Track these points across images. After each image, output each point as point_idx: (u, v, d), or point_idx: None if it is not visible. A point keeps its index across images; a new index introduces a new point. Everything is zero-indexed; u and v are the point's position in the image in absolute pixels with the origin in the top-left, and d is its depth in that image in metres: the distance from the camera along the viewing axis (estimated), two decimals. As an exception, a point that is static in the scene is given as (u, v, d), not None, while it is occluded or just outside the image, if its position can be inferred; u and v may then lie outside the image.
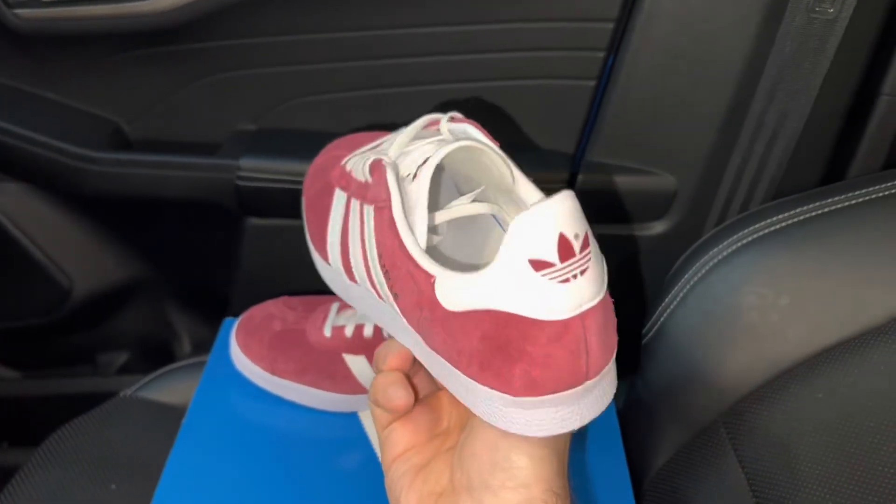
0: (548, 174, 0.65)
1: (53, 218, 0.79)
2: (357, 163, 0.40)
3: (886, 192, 0.49)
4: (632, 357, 0.56)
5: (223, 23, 0.63)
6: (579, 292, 0.28)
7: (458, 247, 0.39)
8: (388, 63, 0.64)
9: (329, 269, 0.43)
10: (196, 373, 0.62)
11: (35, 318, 0.84)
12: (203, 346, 0.89)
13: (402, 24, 0.62)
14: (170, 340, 0.91)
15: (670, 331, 0.53)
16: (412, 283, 0.32)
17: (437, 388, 0.39)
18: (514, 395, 0.29)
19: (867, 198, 0.49)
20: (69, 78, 0.69)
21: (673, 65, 0.59)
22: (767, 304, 0.48)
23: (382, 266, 0.35)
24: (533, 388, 0.29)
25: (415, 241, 0.33)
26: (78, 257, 0.81)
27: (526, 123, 0.67)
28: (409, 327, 0.34)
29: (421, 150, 0.35)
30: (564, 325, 0.28)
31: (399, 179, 0.35)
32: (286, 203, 0.65)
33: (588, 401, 0.30)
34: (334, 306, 0.57)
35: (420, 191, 0.34)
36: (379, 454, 0.42)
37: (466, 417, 0.36)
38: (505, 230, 0.37)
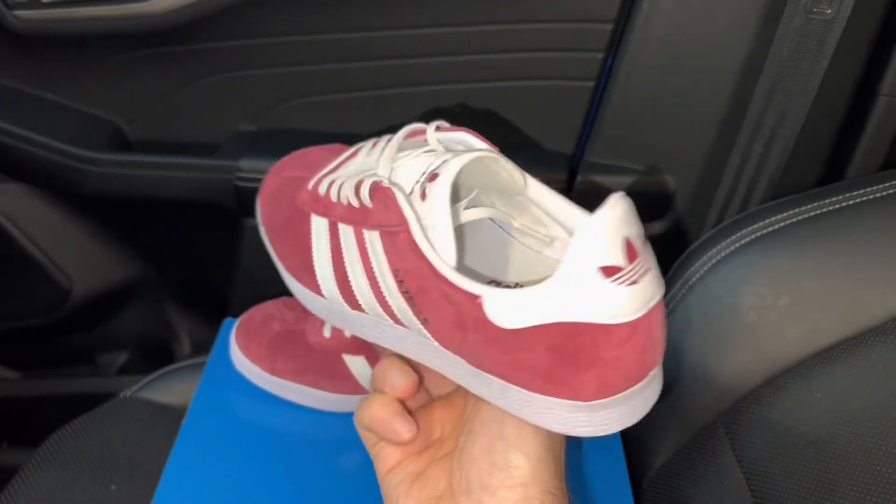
0: (547, 174, 0.65)
1: (53, 218, 0.79)
2: (337, 185, 0.37)
3: (885, 193, 0.49)
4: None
5: (223, 23, 0.63)
6: (648, 290, 0.28)
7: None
8: (388, 64, 0.64)
9: (320, 301, 0.40)
10: (196, 373, 0.62)
11: (35, 318, 0.84)
12: (203, 346, 0.89)
13: (402, 25, 0.62)
14: (170, 341, 0.91)
15: (669, 331, 0.53)
16: (448, 305, 0.31)
17: (429, 399, 0.39)
18: (585, 401, 0.29)
19: (866, 198, 0.49)
20: (69, 79, 0.69)
21: (672, 65, 0.59)
22: (766, 304, 0.48)
23: (405, 293, 0.34)
24: (604, 391, 0.29)
25: (445, 263, 0.31)
26: (78, 257, 0.81)
27: (525, 124, 0.67)
28: (445, 350, 0.33)
29: (413, 163, 0.34)
30: (633, 325, 0.28)
31: (409, 200, 0.33)
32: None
33: (650, 389, 0.31)
34: (334, 307, 0.57)
35: (440, 210, 0.32)
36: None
37: (462, 424, 0.36)
38: (506, 232, 0.38)
